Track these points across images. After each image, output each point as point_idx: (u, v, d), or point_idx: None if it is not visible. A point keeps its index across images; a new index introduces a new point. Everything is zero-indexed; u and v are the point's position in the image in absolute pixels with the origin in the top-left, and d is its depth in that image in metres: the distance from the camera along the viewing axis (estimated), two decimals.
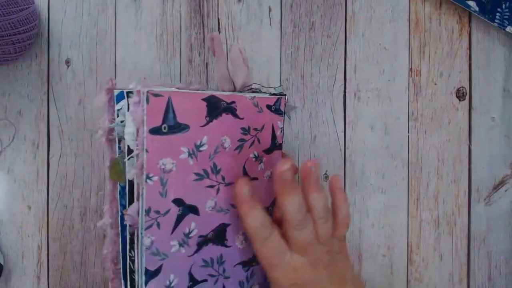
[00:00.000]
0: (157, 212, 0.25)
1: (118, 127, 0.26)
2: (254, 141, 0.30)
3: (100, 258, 0.45)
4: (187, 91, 0.26)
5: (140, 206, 0.24)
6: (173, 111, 0.24)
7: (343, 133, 0.43)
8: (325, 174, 0.43)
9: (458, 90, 0.42)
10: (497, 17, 0.40)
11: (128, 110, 0.24)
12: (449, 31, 0.42)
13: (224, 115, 0.28)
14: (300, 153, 0.43)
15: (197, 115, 0.26)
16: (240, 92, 0.31)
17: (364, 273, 0.43)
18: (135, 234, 0.25)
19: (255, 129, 0.30)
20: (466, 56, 0.42)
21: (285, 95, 0.33)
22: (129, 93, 0.25)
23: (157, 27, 0.44)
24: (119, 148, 0.26)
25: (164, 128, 0.24)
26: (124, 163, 0.25)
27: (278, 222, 0.32)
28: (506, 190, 0.42)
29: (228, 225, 0.30)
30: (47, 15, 0.45)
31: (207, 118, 0.27)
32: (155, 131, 0.24)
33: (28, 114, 0.45)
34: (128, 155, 0.25)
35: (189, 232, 0.27)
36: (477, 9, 0.40)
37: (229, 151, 0.29)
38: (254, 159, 0.31)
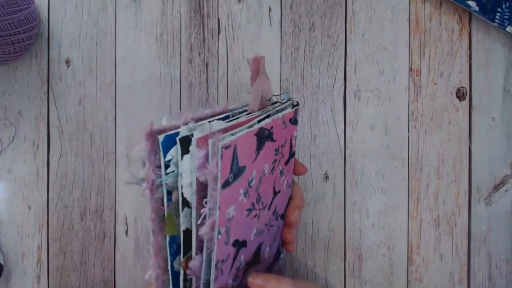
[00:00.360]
0: (222, 261, 0.24)
1: (170, 179, 0.23)
2: (280, 158, 0.30)
3: (100, 258, 0.45)
4: (246, 131, 0.23)
5: (205, 260, 0.23)
6: (237, 158, 0.23)
7: (343, 133, 0.43)
8: (325, 174, 0.43)
9: (458, 90, 0.42)
10: (497, 17, 0.40)
11: (181, 159, 0.22)
12: (449, 31, 0.42)
13: (266, 143, 0.26)
14: (300, 153, 0.43)
15: (250, 153, 0.25)
16: (264, 107, 0.30)
17: (364, 273, 0.43)
18: (192, 282, 0.24)
19: (282, 146, 0.30)
20: (466, 56, 0.42)
21: (298, 102, 0.33)
22: (183, 140, 0.22)
23: (157, 27, 0.44)
24: (169, 199, 0.24)
25: (231, 178, 0.22)
26: (178, 215, 0.24)
27: (289, 224, 0.33)
28: (506, 190, 0.42)
29: (261, 243, 0.30)
30: (47, 15, 0.45)
31: (256, 152, 0.25)
32: (225, 184, 0.22)
33: (28, 114, 0.45)
34: (182, 206, 0.23)
35: (240, 265, 0.28)
36: (477, 9, 0.40)
37: (268, 176, 0.28)
38: (279, 174, 0.30)
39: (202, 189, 0.22)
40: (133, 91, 0.45)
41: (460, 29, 0.42)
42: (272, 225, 0.31)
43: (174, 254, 0.25)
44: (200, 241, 0.23)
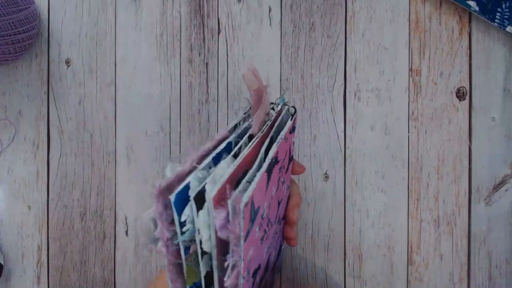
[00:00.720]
0: None
1: (187, 236, 0.23)
2: (282, 171, 0.30)
3: (100, 258, 0.45)
4: (259, 177, 0.23)
5: None
6: (253, 205, 0.22)
7: (343, 133, 0.43)
8: (325, 174, 0.43)
9: (458, 90, 0.42)
10: (497, 17, 0.40)
11: (197, 216, 0.22)
12: (449, 31, 0.42)
13: (273, 169, 0.26)
14: (300, 153, 0.43)
15: (262, 189, 0.24)
16: (264, 123, 0.29)
17: (364, 273, 0.43)
18: None
19: (283, 160, 0.29)
20: (466, 56, 0.42)
21: (294, 108, 0.32)
22: (197, 197, 0.22)
23: (157, 27, 0.44)
24: (187, 253, 0.24)
25: (250, 226, 0.22)
26: (198, 265, 0.24)
27: (291, 223, 0.33)
28: (506, 190, 0.42)
29: (270, 254, 0.31)
30: (47, 15, 0.45)
31: (267, 185, 0.25)
32: (246, 236, 0.22)
33: (28, 114, 0.45)
34: (201, 256, 0.23)
35: (256, 286, 0.28)
36: (477, 9, 0.40)
37: (274, 197, 0.28)
38: (282, 184, 0.30)
39: (222, 242, 0.22)
40: (133, 91, 0.45)
41: (460, 29, 0.42)
42: (277, 232, 0.31)
43: None
44: (223, 285, 0.23)
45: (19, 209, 0.45)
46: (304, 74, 0.43)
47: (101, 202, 0.45)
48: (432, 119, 0.42)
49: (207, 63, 0.44)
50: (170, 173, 0.23)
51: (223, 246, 0.22)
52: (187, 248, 0.23)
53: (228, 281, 0.22)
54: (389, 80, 0.43)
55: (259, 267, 0.27)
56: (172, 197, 0.21)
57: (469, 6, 0.40)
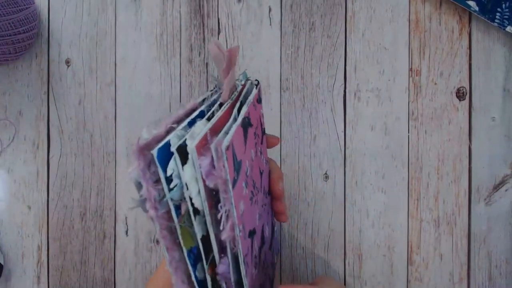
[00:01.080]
0: (246, 255, 0.25)
1: (176, 193, 0.22)
2: (258, 139, 0.31)
3: (100, 258, 0.45)
4: (235, 127, 0.23)
5: (231, 261, 0.24)
6: (235, 155, 0.22)
7: (343, 133, 0.43)
8: (325, 174, 0.43)
9: (458, 90, 0.42)
10: (497, 17, 0.40)
11: (182, 169, 0.21)
12: (449, 31, 0.42)
13: (248, 130, 0.27)
14: (300, 153, 0.43)
15: (241, 144, 0.24)
16: (232, 93, 0.30)
17: (364, 273, 0.43)
18: (222, 286, 0.25)
19: (256, 127, 0.31)
20: (466, 56, 0.42)
21: (257, 80, 0.33)
22: (179, 150, 0.21)
23: (157, 27, 0.44)
24: (178, 213, 0.23)
25: (235, 176, 0.22)
26: (191, 225, 0.23)
27: (278, 196, 0.34)
28: (506, 190, 0.42)
29: (263, 224, 0.31)
30: (47, 15, 0.45)
31: (244, 143, 0.25)
32: (233, 184, 0.22)
33: (28, 114, 0.45)
34: (194, 215, 0.23)
35: (255, 252, 0.28)
36: (477, 9, 0.40)
37: (254, 161, 0.29)
38: (260, 154, 0.31)
39: (211, 194, 0.22)
40: (133, 91, 0.45)
41: (460, 29, 0.42)
42: (265, 204, 0.32)
43: (194, 264, 0.25)
44: (221, 244, 0.23)
45: (19, 209, 0.45)
46: (304, 74, 0.43)
47: (101, 202, 0.45)
48: (432, 119, 0.42)
49: (207, 63, 0.44)
50: (146, 135, 0.22)
51: (214, 198, 0.22)
52: (177, 208, 0.23)
53: (224, 233, 0.22)
54: (389, 80, 0.43)
55: (254, 231, 0.28)
56: (154, 152, 0.21)
57: (469, 6, 0.40)
